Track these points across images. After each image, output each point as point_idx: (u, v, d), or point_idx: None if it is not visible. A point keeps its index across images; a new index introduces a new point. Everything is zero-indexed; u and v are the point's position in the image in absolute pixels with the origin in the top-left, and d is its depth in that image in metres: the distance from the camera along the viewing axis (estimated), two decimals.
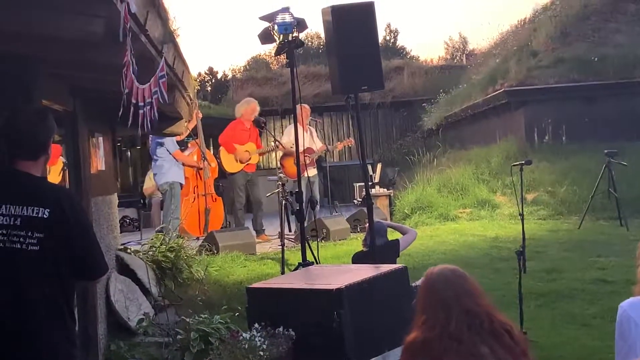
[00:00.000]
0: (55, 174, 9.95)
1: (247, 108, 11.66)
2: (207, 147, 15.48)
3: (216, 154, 12.02)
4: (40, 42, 3.65)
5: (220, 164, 11.72)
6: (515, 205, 10.03)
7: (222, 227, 11.80)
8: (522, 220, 7.49)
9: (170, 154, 10.86)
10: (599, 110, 15.16)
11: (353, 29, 7.32)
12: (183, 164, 11.33)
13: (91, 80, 5.04)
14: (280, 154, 11.91)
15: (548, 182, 13.38)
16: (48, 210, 3.24)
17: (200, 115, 11.70)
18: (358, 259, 7.32)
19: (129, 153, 18.03)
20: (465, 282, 3.14)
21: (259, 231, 11.56)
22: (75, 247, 3.30)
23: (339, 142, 13.40)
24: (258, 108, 11.82)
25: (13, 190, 3.28)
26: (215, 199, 11.87)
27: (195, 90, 8.75)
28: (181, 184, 11.06)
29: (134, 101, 3.66)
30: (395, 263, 6.89)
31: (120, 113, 3.57)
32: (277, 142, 11.47)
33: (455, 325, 3.00)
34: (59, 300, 3.32)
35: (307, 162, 10.88)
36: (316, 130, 13.17)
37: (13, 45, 3.70)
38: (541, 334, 6.12)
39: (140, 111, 3.74)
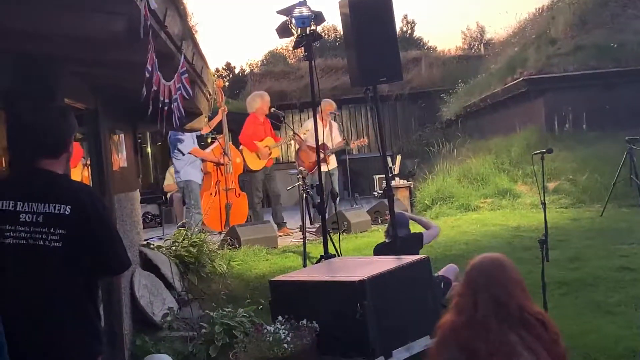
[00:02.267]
0: (75, 176, 10.02)
1: (263, 102, 11.69)
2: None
3: (240, 151, 12.06)
4: (61, 41, 3.68)
5: (244, 162, 11.77)
6: (537, 194, 9.98)
7: (245, 222, 11.87)
8: (544, 208, 7.46)
9: (183, 154, 10.89)
10: (619, 97, 15.05)
11: (370, 20, 7.31)
12: (202, 160, 11.36)
13: (113, 78, 5.07)
14: (297, 147, 11.96)
15: (569, 171, 13.32)
16: (70, 207, 3.27)
17: (226, 111, 11.75)
18: (380, 250, 7.32)
19: (149, 150, 18.13)
20: (500, 272, 3.16)
21: (280, 224, 11.60)
22: (98, 243, 3.33)
23: (352, 142, 13.36)
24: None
25: (35, 188, 3.32)
26: (239, 194, 11.91)
27: (215, 86, 8.75)
28: (198, 182, 11.09)
29: (161, 98, 3.69)
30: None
31: (149, 111, 3.59)
32: (295, 134, 11.52)
33: (483, 312, 3.02)
34: (83, 296, 3.36)
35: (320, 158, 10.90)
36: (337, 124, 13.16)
37: (35, 45, 3.74)
38: (565, 323, 6.07)
39: (166, 108, 3.77)
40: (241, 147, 11.73)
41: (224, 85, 33.77)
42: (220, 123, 11.61)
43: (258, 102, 11.76)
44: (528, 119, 16.05)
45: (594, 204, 12.04)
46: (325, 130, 11.19)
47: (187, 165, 10.99)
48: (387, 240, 7.37)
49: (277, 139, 11.86)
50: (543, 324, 3.06)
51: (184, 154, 10.92)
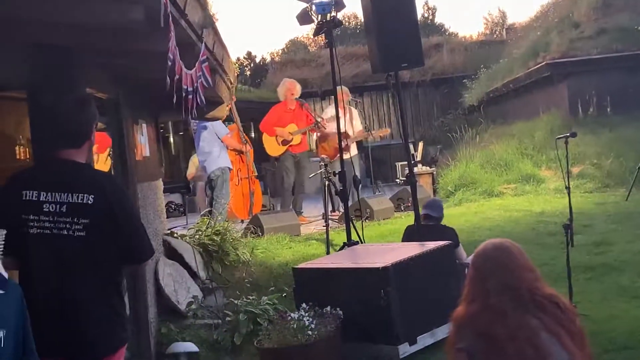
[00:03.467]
0: (102, 162, 10.05)
1: (284, 89, 11.68)
2: (247, 130, 15.52)
3: (258, 138, 12.06)
4: (82, 31, 3.69)
5: (264, 149, 11.75)
6: (561, 179, 9.89)
7: (262, 209, 11.87)
8: (569, 193, 7.39)
9: (219, 138, 10.82)
10: None
11: (391, 6, 7.28)
12: (228, 148, 11.33)
13: (134, 67, 5.08)
14: (317, 135, 11.89)
15: (594, 155, 13.18)
16: (92, 196, 3.29)
17: (234, 99, 11.71)
18: (412, 231, 7.24)
19: (172, 139, 18.20)
20: (505, 256, 3.14)
21: (298, 212, 11.58)
22: (121, 232, 3.36)
23: (373, 131, 13.28)
24: (297, 86, 11.81)
25: (58, 178, 3.34)
26: (254, 181, 11.93)
27: (236, 74, 8.75)
28: (230, 169, 11.06)
29: (184, 87, 3.69)
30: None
31: (174, 100, 3.60)
32: (317, 122, 11.47)
33: (496, 298, 3.02)
34: (108, 284, 3.39)
35: (342, 146, 10.85)
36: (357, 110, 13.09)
37: (57, 35, 3.75)
38: (591, 307, 6.06)
39: (190, 96, 3.78)
40: (263, 134, 11.72)
41: (246, 75, 33.81)
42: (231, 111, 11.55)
43: (282, 90, 11.76)
44: (551, 104, 15.91)
45: (618, 188, 11.92)
46: (346, 118, 11.15)
47: (223, 152, 10.90)
48: (423, 222, 7.23)
49: (302, 125, 11.73)
50: (557, 305, 3.04)
51: (219, 137, 10.82)
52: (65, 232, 3.28)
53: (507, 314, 2.99)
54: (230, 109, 11.25)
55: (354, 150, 11.86)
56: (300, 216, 11.52)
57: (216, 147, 10.78)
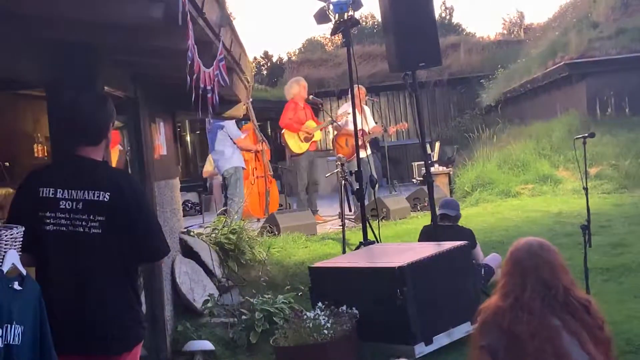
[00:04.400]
0: (112, 161, 10.03)
1: (300, 88, 11.66)
2: (264, 129, 15.53)
3: (274, 137, 12.08)
4: (101, 29, 3.70)
5: (286, 147, 11.76)
6: (578, 180, 9.82)
7: (279, 209, 11.87)
8: (587, 194, 7.35)
9: (231, 139, 10.84)
10: None
11: (409, 6, 7.27)
12: (241, 149, 11.35)
13: (152, 66, 5.10)
14: (334, 133, 11.89)
15: (612, 155, 13.09)
16: (109, 193, 3.31)
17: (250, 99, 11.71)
18: (428, 230, 7.23)
19: (188, 138, 18.25)
20: (548, 255, 3.17)
21: (313, 212, 11.59)
22: (137, 229, 3.37)
23: (391, 126, 13.30)
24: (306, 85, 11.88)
25: (74, 175, 3.36)
26: (271, 180, 11.94)
27: (253, 73, 8.76)
28: (243, 168, 11.09)
29: (202, 85, 3.69)
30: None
31: (193, 99, 3.60)
32: (333, 120, 11.48)
33: (530, 294, 3.03)
34: (124, 281, 3.40)
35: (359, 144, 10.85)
36: (372, 110, 13.10)
37: (74, 32, 3.77)
38: (608, 309, 5.97)
39: (208, 95, 3.78)
40: (283, 132, 11.72)
41: (263, 74, 33.90)
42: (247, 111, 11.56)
43: (295, 88, 11.74)
44: (569, 104, 15.82)
45: (636, 190, 11.84)
46: (361, 116, 11.14)
47: (236, 151, 10.92)
48: (439, 222, 7.23)
49: (318, 123, 11.77)
50: (587, 309, 3.05)
51: (232, 138, 10.84)
52: (81, 230, 3.29)
53: (533, 312, 3.01)
54: (246, 107, 11.26)
55: (368, 149, 11.85)
56: (316, 215, 11.53)
57: (229, 147, 10.82)
